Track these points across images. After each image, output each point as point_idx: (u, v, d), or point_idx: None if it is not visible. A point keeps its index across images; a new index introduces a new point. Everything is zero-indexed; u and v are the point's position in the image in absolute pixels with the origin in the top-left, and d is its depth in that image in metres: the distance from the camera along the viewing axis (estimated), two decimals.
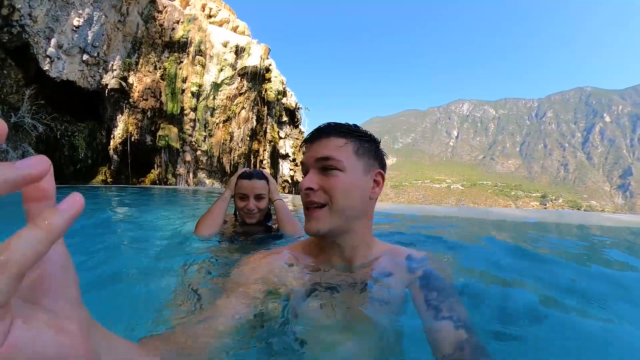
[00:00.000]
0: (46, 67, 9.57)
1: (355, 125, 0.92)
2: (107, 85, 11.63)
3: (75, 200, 0.25)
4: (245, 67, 14.65)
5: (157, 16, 13.33)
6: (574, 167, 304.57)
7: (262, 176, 1.96)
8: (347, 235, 0.89)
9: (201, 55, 14.13)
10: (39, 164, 0.24)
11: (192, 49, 13.98)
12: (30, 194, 0.25)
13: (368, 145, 0.90)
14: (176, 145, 13.41)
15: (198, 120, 14.15)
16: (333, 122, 0.92)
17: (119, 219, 3.44)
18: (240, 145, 15.08)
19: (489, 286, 1.45)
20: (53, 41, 9.57)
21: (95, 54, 10.96)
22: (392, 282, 0.90)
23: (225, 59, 14.38)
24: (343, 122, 0.92)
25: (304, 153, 0.94)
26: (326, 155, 0.84)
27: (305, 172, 0.91)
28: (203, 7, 15.58)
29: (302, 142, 0.97)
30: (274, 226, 2.04)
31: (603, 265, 2.02)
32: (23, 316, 0.24)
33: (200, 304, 1.08)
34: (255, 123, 15.60)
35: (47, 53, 9.50)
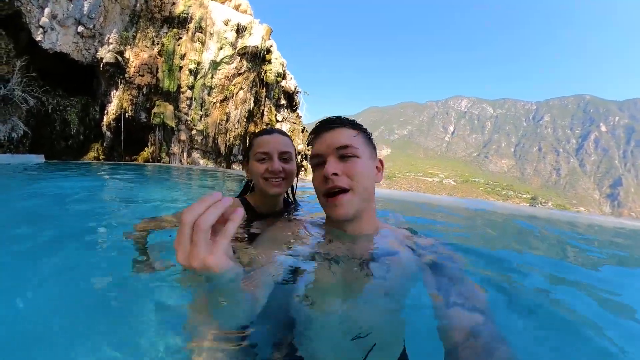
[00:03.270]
0: (39, 38, 9.26)
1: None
2: (102, 59, 11.32)
3: (240, 212, 0.55)
4: (246, 46, 14.30)
5: None
6: (565, 172, 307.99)
7: (286, 134, 1.45)
8: (360, 217, 0.96)
9: (201, 32, 13.77)
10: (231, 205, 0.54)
11: (192, 25, 13.62)
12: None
13: (370, 137, 1.03)
14: (171, 123, 13.20)
15: (194, 98, 13.90)
16: (336, 116, 1.01)
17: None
18: (236, 126, 14.88)
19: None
20: (47, 10, 9.22)
21: (91, 26, 10.62)
22: (395, 262, 0.93)
23: (226, 38, 14.02)
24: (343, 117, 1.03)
25: (310, 144, 1.01)
26: (346, 144, 0.93)
27: (317, 163, 0.98)
28: None
29: (310, 134, 1.03)
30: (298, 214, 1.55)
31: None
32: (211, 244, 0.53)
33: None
34: (252, 104, 15.34)
35: (40, 23, 9.17)
